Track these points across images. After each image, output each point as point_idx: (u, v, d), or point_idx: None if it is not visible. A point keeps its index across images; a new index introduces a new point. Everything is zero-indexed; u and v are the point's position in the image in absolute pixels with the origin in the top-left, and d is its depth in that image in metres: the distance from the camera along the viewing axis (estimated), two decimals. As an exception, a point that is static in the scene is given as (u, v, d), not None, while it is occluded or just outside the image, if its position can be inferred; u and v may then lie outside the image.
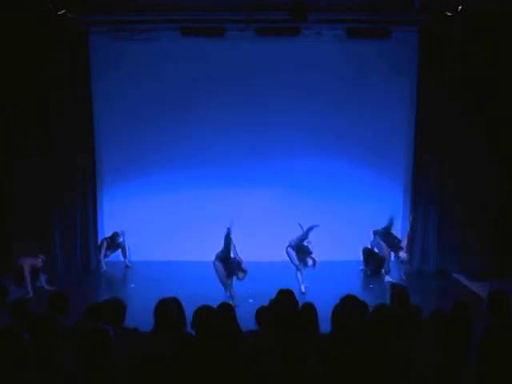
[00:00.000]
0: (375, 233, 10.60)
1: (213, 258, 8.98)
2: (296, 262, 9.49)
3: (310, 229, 9.63)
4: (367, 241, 10.76)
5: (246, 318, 5.14)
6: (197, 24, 9.79)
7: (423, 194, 10.46)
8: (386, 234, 10.45)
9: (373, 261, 10.45)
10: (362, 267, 10.65)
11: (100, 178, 11.03)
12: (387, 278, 9.89)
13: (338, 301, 4.68)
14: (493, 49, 9.63)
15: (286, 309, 4.76)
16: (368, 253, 10.60)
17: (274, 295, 5.34)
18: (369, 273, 10.42)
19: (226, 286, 8.78)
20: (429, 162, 10.33)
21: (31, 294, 8.79)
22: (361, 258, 10.74)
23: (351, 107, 10.93)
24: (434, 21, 9.59)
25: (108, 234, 10.98)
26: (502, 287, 5.44)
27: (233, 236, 9.09)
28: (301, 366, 3.10)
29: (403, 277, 10.06)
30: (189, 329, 4.67)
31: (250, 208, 10.99)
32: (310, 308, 4.72)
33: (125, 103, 10.85)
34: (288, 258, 9.60)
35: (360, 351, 3.72)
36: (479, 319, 4.66)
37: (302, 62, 10.72)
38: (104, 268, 10.63)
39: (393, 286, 5.47)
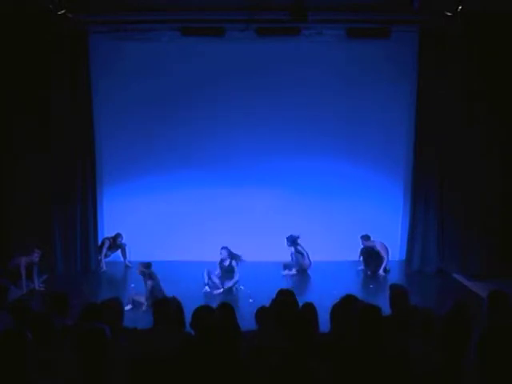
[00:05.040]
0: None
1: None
2: None
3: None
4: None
5: (246, 318, 5.14)
6: (197, 24, 9.78)
7: (423, 194, 10.46)
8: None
9: (373, 261, 10.45)
10: (361, 267, 10.64)
11: (100, 178, 11.03)
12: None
13: (337, 301, 4.68)
14: (493, 49, 9.62)
15: (286, 309, 4.76)
16: (367, 253, 10.58)
17: (274, 295, 5.33)
18: (369, 273, 10.41)
19: None
20: (429, 161, 10.33)
21: (24, 290, 8.93)
22: (361, 257, 10.74)
23: (351, 107, 10.94)
24: (434, 21, 9.59)
25: (108, 233, 10.98)
26: (502, 287, 5.46)
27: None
28: (301, 366, 3.10)
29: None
30: (188, 329, 4.68)
31: (250, 208, 11.00)
32: (310, 308, 4.72)
33: (125, 103, 10.86)
34: None
35: (359, 351, 3.72)
36: (479, 319, 4.66)
37: (301, 62, 10.72)
38: (104, 268, 10.63)
39: (392, 286, 5.45)
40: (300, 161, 11.12)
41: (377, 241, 10.49)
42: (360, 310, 4.05)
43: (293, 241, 10.40)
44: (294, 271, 10.40)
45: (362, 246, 10.64)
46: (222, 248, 9.39)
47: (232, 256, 9.32)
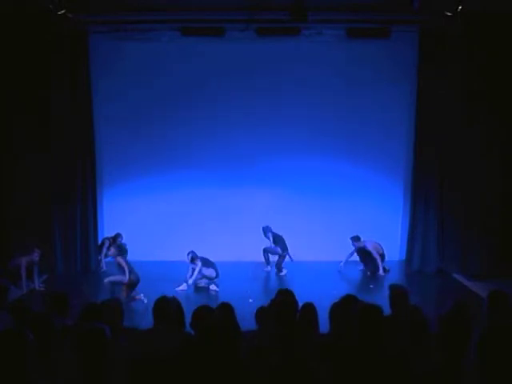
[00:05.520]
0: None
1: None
2: None
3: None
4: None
5: (246, 318, 5.14)
6: (197, 24, 9.79)
7: (423, 194, 10.46)
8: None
9: (370, 261, 10.42)
10: (362, 267, 10.64)
11: (100, 178, 11.04)
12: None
13: (337, 300, 4.68)
14: (493, 49, 9.62)
15: (285, 309, 4.75)
16: (363, 253, 10.57)
17: (274, 295, 5.33)
18: (368, 273, 10.39)
19: None
20: (429, 161, 10.34)
21: (24, 291, 8.95)
22: (349, 258, 10.74)
23: (351, 107, 10.94)
24: (434, 21, 9.59)
25: (108, 234, 10.98)
26: (502, 287, 5.45)
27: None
28: (301, 366, 3.10)
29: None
30: (188, 329, 4.67)
31: (250, 208, 11.01)
32: (310, 308, 4.73)
33: (125, 103, 10.87)
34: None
35: (359, 351, 3.72)
36: (479, 319, 4.66)
37: (301, 62, 10.73)
38: (104, 268, 10.63)
39: (392, 286, 5.44)
40: (300, 161, 11.12)
41: (367, 241, 10.49)
42: (361, 309, 4.04)
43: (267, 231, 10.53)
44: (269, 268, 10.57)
45: (353, 248, 10.64)
46: (188, 253, 9.55)
47: (193, 259, 9.45)
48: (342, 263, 10.61)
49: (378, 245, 10.44)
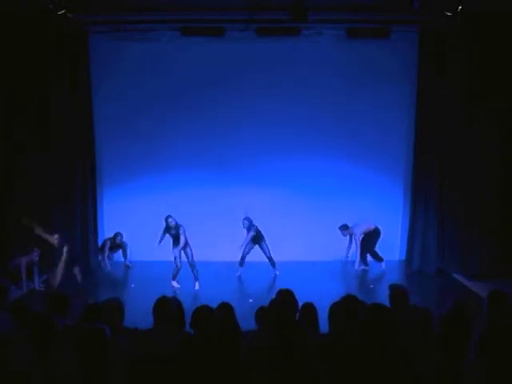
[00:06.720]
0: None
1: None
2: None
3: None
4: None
5: (246, 318, 5.14)
6: (197, 24, 9.79)
7: (423, 194, 10.46)
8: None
9: (365, 244, 10.51)
10: (362, 267, 10.63)
11: (100, 178, 11.04)
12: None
13: (337, 300, 4.68)
14: (493, 49, 9.62)
15: (285, 309, 4.76)
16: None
17: (274, 295, 5.33)
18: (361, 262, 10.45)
19: None
20: (429, 161, 10.33)
21: (24, 291, 8.97)
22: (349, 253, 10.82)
23: (351, 106, 10.94)
24: (434, 21, 9.59)
25: (108, 234, 10.99)
26: (502, 287, 5.45)
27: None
28: (301, 366, 3.10)
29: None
30: (188, 329, 4.68)
31: (250, 208, 10.99)
32: (310, 308, 4.73)
33: (125, 103, 10.86)
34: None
35: (359, 351, 3.72)
36: (479, 319, 4.66)
37: (301, 62, 10.73)
38: (109, 267, 10.63)
39: (392, 286, 5.45)
40: (300, 161, 11.12)
41: (356, 225, 10.56)
42: (369, 308, 4.04)
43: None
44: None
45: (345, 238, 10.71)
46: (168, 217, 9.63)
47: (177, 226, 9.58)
48: (346, 256, 10.76)
49: (368, 224, 10.50)
